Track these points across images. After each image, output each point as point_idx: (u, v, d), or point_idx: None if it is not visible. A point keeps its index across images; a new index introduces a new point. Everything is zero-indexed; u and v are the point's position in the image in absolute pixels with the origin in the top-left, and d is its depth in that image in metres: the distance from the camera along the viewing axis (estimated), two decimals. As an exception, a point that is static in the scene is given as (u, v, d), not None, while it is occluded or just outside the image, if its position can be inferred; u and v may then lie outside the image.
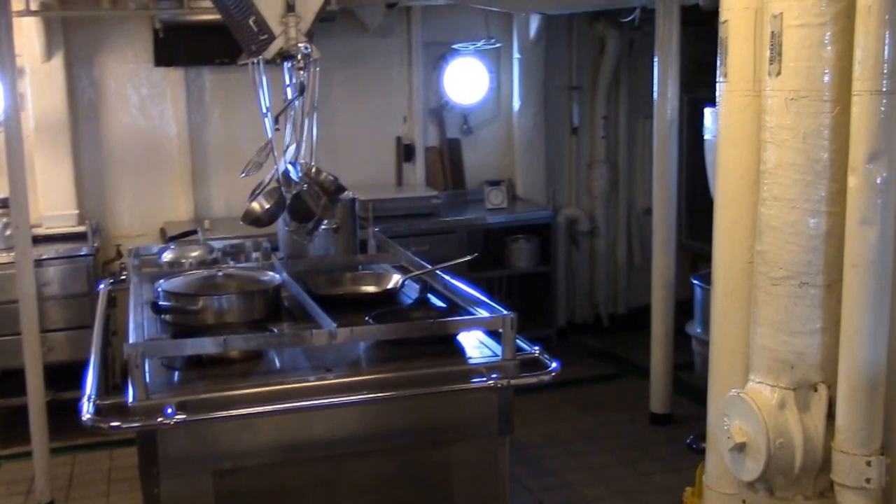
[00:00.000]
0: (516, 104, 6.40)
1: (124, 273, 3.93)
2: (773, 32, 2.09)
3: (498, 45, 6.35)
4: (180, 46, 5.57)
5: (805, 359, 2.16)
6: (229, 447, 2.62)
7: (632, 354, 6.10)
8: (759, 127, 2.20)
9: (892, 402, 2.18)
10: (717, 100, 2.40)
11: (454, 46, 6.25)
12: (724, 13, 2.32)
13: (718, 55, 2.36)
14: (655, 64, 4.94)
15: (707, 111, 4.46)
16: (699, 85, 5.39)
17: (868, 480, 2.08)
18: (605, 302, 6.77)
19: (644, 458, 4.73)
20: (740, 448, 2.19)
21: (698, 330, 4.59)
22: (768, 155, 2.15)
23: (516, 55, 6.34)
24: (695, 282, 4.59)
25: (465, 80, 6.30)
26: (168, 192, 5.81)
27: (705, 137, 4.47)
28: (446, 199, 6.09)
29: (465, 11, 6.12)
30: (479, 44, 6.28)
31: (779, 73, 2.09)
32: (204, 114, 5.85)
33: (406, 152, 6.28)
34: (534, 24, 6.18)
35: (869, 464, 2.08)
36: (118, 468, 4.68)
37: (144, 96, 5.74)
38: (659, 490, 4.34)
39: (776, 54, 2.09)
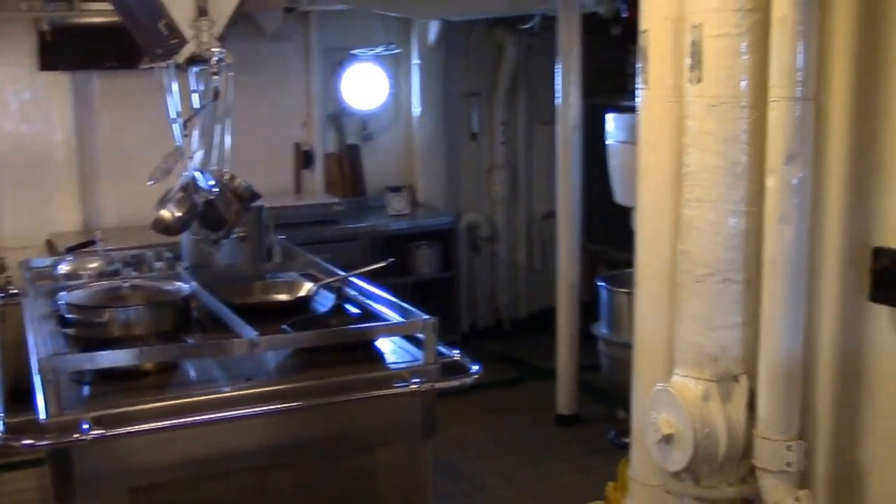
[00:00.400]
0: (416, 110, 6.43)
1: (10, 287, 3.77)
2: (693, 42, 2.16)
3: (397, 50, 6.37)
4: (68, 50, 5.37)
5: (727, 352, 2.25)
6: (147, 462, 2.55)
7: (535, 357, 6.20)
8: (679, 132, 2.28)
9: (809, 389, 2.29)
10: (638, 106, 2.47)
11: (353, 52, 6.23)
12: (645, 23, 2.39)
13: (638, 63, 2.43)
14: (558, 70, 5.05)
15: (609, 117, 4.57)
16: (598, 91, 5.52)
17: (788, 464, 2.18)
18: (507, 306, 6.86)
19: (553, 459, 4.82)
20: (667, 440, 2.26)
21: (604, 331, 4.69)
22: (690, 158, 2.22)
23: (416, 61, 6.37)
24: (600, 284, 4.70)
25: (364, 85, 6.29)
26: (54, 202, 5.58)
27: (608, 142, 4.59)
28: (347, 207, 6.06)
29: (363, 17, 6.12)
30: (378, 49, 6.29)
31: (700, 81, 2.17)
32: (92, 120, 5.65)
33: (305, 159, 6.23)
34: (433, 29, 6.23)
35: (789, 448, 2.18)
36: (20, 490, 4.46)
37: (27, 102, 5.50)
38: (568, 491, 4.42)
39: (697, 63, 2.17)
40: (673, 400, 2.27)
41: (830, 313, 2.29)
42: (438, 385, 2.83)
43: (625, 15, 5.05)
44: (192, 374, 2.79)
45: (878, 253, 2.17)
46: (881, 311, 2.19)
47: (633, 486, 2.61)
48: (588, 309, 5.21)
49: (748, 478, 2.27)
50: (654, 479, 2.49)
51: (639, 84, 2.44)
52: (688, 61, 2.20)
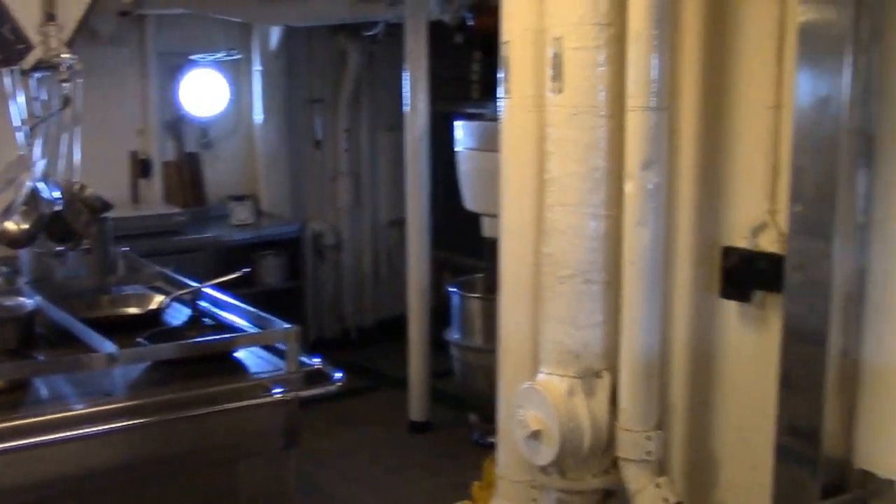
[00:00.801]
0: (258, 117, 6.34)
1: None
2: (555, 54, 2.27)
3: (238, 56, 6.26)
4: None
5: (590, 349, 2.36)
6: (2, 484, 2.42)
7: (384, 366, 6.22)
8: (541, 139, 2.38)
9: (666, 382, 2.43)
10: (500, 114, 2.55)
11: (192, 57, 6.08)
12: (506, 34, 2.48)
13: (500, 73, 2.51)
14: (406, 78, 5.11)
15: (458, 124, 4.67)
16: (442, 98, 5.61)
17: (649, 453, 2.31)
18: (353, 315, 6.85)
19: (410, 465, 4.86)
20: (535, 435, 2.35)
21: (457, 336, 4.78)
22: (552, 165, 2.32)
23: (257, 67, 6.28)
24: (452, 290, 4.79)
25: (204, 91, 6.15)
26: None
27: (457, 149, 4.68)
28: (188, 217, 5.89)
29: (202, 21, 5.96)
30: (218, 55, 6.16)
31: (561, 91, 2.27)
32: None
33: (142, 167, 6.02)
34: (275, 35, 6.16)
35: (649, 438, 2.31)
36: None
37: None
38: (428, 495, 4.48)
39: (558, 74, 2.27)
40: (540, 397, 2.36)
41: (685, 310, 2.45)
42: (303, 394, 2.82)
43: (470, 23, 5.16)
44: (44, 392, 2.67)
45: (727, 252, 2.34)
46: (730, 307, 2.36)
47: (500, 484, 2.69)
48: (437, 315, 5.28)
49: (612, 469, 2.39)
50: (520, 475, 2.57)
51: (500, 93, 2.52)
52: (549, 72, 2.30)
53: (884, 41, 1.99)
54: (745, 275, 2.29)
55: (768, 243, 2.25)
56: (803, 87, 2.06)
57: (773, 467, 2.17)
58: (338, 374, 2.92)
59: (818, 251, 2.08)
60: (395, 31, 5.48)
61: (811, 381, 2.12)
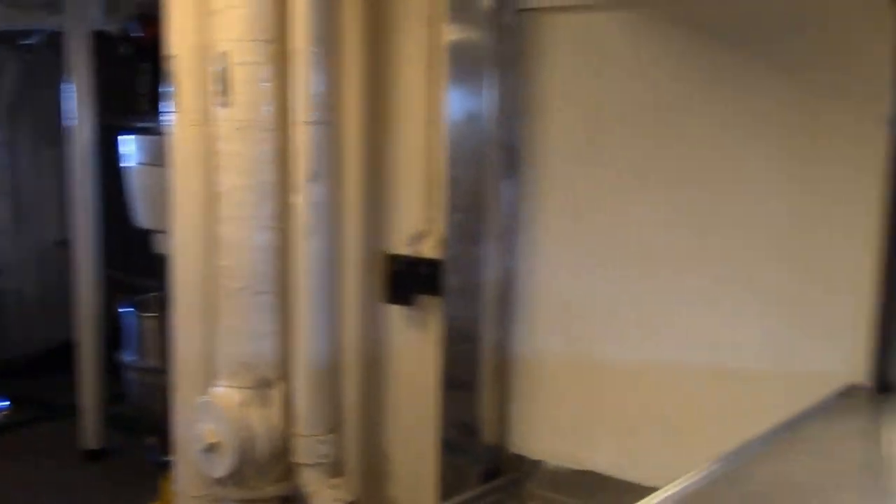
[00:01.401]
0: None
1: None
2: (222, 69, 2.28)
3: None
4: None
5: (263, 359, 2.40)
6: None
7: (53, 395, 5.81)
8: (211, 153, 2.38)
9: (340, 387, 2.52)
10: (170, 129, 2.51)
11: None
12: (173, 48, 2.45)
13: (169, 87, 2.48)
14: (68, 90, 4.83)
15: (126, 139, 4.49)
16: (111, 111, 5.36)
17: (324, 456, 2.39)
18: (19, 343, 6.34)
19: (82, 495, 4.59)
20: (212, 448, 2.35)
21: (132, 358, 4.59)
22: (223, 178, 2.34)
23: None
24: (126, 310, 4.59)
25: None
26: None
27: (126, 165, 4.50)
28: None
29: None
30: None
31: (229, 106, 2.30)
32: None
33: None
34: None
35: (323, 442, 2.39)
36: None
37: None
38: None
39: (225, 89, 2.29)
40: (215, 410, 2.36)
41: (355, 317, 2.57)
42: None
43: (135, 35, 4.98)
44: None
45: (391, 259, 2.48)
46: (396, 311, 2.51)
47: (178, 501, 2.64)
48: (111, 338, 5.04)
49: (289, 475, 2.44)
50: (198, 489, 2.54)
51: (169, 108, 2.50)
52: (216, 87, 2.31)
53: (524, 62, 2.22)
54: (407, 280, 2.45)
55: (428, 250, 2.42)
56: (453, 104, 2.25)
57: (436, 459, 2.33)
58: (3, 403, 2.72)
59: (471, 255, 2.28)
60: (57, 41, 5.16)
61: (468, 376, 2.31)
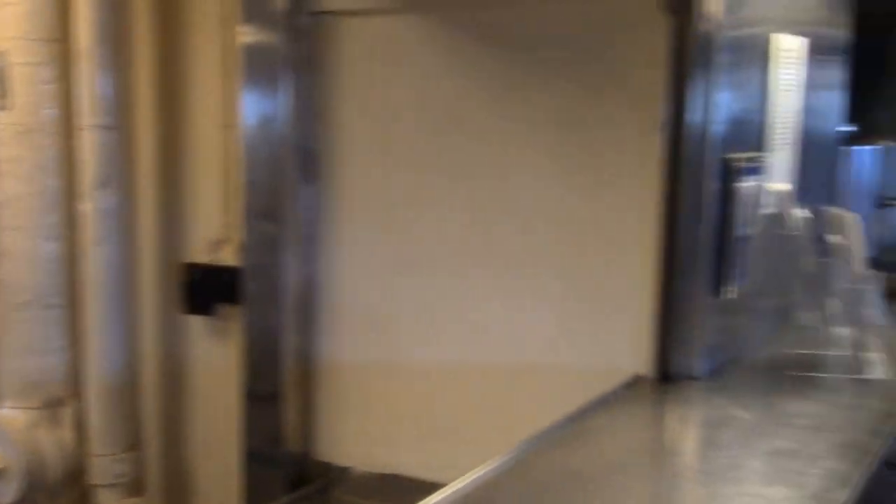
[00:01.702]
0: None
1: None
2: (0, 68, 2.16)
3: None
4: None
5: (52, 377, 2.27)
6: None
7: None
8: (-9, 159, 2.24)
9: (139, 402, 2.42)
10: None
11: None
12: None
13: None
14: None
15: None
16: None
17: (121, 475, 2.29)
18: None
19: None
20: (-2, 475, 2.20)
21: None
22: (4, 185, 2.21)
23: None
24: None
25: None
26: None
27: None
28: None
29: None
30: None
31: (7, 108, 2.17)
32: None
33: None
34: None
35: (121, 461, 2.29)
36: None
37: None
38: None
39: (4, 90, 2.16)
40: (1, 433, 2.22)
41: (153, 329, 2.47)
42: None
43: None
44: None
45: (188, 268, 2.40)
46: (196, 322, 2.42)
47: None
48: None
49: (85, 498, 2.32)
50: (-16, 520, 2.38)
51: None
52: (-4, 88, 2.18)
53: (320, 65, 2.19)
54: (206, 289, 2.37)
55: (228, 257, 2.35)
56: (249, 107, 2.20)
57: (241, 471, 2.27)
58: None
59: (271, 262, 2.23)
60: None
61: (272, 385, 2.26)
